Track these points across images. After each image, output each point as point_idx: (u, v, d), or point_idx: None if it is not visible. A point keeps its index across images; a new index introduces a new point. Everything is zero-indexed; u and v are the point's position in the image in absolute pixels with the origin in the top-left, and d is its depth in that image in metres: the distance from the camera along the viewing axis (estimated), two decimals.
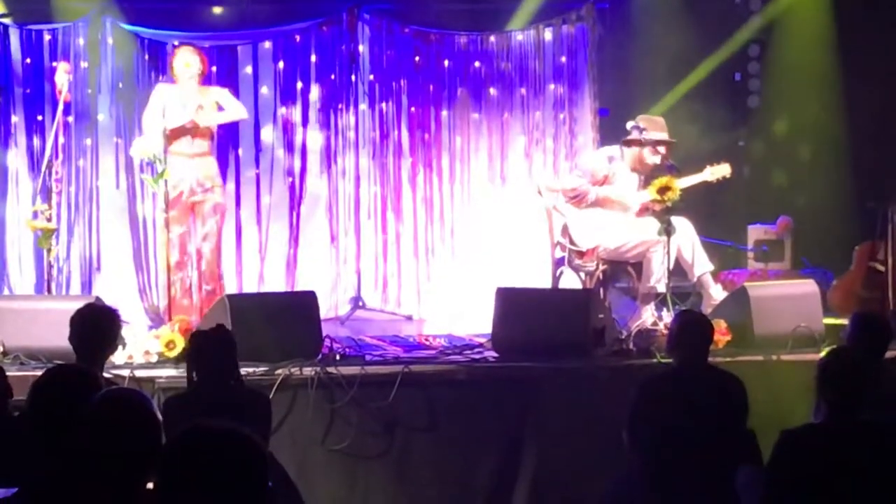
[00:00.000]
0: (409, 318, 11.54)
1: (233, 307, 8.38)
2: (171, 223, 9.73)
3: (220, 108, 10.14)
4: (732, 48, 12.98)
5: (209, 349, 6.49)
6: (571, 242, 10.15)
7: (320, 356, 8.47)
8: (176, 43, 11.13)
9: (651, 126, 10.12)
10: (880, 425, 5.31)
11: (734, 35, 13.07)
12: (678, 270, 10.01)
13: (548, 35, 12.05)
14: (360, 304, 11.54)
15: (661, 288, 9.70)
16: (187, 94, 9.94)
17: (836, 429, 5.28)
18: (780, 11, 12.96)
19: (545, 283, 10.42)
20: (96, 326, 6.73)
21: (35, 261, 10.99)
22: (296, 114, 11.71)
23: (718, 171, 10.21)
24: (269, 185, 11.69)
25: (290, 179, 11.72)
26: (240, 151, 11.51)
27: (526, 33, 12.05)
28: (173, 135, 9.72)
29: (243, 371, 6.96)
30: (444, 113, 12.01)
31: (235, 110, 10.22)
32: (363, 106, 11.83)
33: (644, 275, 9.94)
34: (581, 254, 10.11)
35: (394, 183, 11.93)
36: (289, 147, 11.72)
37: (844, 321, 7.61)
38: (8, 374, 5.96)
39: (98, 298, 8.75)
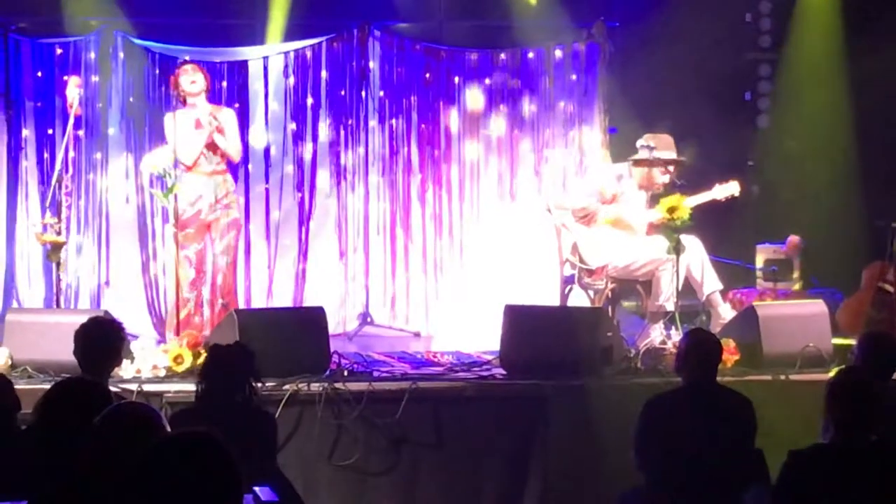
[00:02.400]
0: (418, 334, 11.53)
1: (241, 322, 8.39)
2: (188, 241, 9.80)
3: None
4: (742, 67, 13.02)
5: (223, 365, 6.49)
6: (581, 261, 10.12)
7: (328, 372, 8.50)
8: (187, 58, 11.16)
9: (660, 145, 10.11)
10: (889, 445, 5.30)
11: (744, 54, 13.10)
12: (687, 289, 9.99)
13: (558, 53, 12.03)
14: (369, 320, 11.54)
15: (670, 306, 9.68)
16: (200, 112, 9.94)
17: (844, 449, 5.27)
18: (791, 31, 12.96)
19: (554, 300, 10.41)
20: (100, 340, 6.74)
21: (44, 274, 10.99)
22: (306, 130, 11.71)
23: (727, 190, 10.21)
24: (279, 200, 11.69)
25: (300, 195, 11.71)
26: (249, 167, 11.50)
27: (536, 51, 12.05)
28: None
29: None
30: (454, 129, 12.01)
31: (234, 145, 10.16)
32: (373, 122, 11.82)
33: (653, 293, 9.93)
34: (591, 272, 10.09)
35: (403, 199, 11.93)
36: (298, 163, 11.71)
37: (853, 341, 7.61)
38: (16, 387, 5.97)
39: (107, 312, 8.78)
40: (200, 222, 9.97)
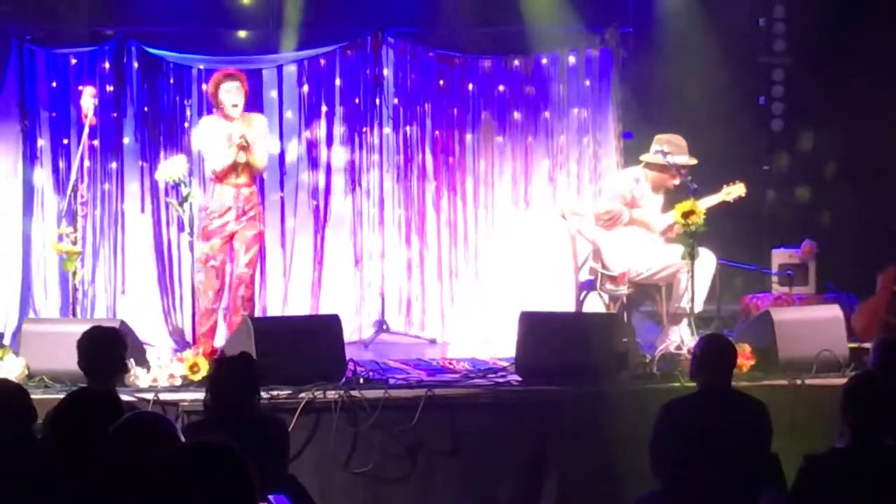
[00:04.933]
0: (433, 341, 11.54)
1: (256, 330, 8.40)
2: (213, 252, 9.84)
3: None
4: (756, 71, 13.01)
5: (230, 376, 6.51)
6: (604, 267, 10.06)
7: (344, 379, 8.49)
8: (201, 66, 11.19)
9: (674, 148, 10.09)
10: None
11: (758, 58, 13.09)
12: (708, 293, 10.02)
13: (572, 59, 12.02)
14: (384, 327, 11.55)
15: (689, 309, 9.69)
16: (235, 127, 9.87)
17: (859, 454, 5.27)
18: (803, 34, 12.94)
19: (569, 306, 10.41)
20: (103, 348, 6.78)
21: (60, 284, 11.01)
22: (320, 137, 11.71)
23: (734, 191, 10.21)
24: (294, 207, 11.70)
25: (315, 202, 11.73)
26: (264, 175, 11.49)
27: (550, 57, 12.04)
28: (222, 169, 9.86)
29: (266, 395, 6.97)
30: (468, 136, 12.00)
31: (261, 157, 10.05)
32: (387, 129, 11.82)
33: (674, 295, 9.91)
34: (613, 278, 10.04)
35: (418, 206, 11.92)
36: (313, 170, 11.72)
37: (868, 346, 7.59)
38: (32, 397, 5.98)
39: (122, 322, 8.79)
40: (226, 234, 9.96)
